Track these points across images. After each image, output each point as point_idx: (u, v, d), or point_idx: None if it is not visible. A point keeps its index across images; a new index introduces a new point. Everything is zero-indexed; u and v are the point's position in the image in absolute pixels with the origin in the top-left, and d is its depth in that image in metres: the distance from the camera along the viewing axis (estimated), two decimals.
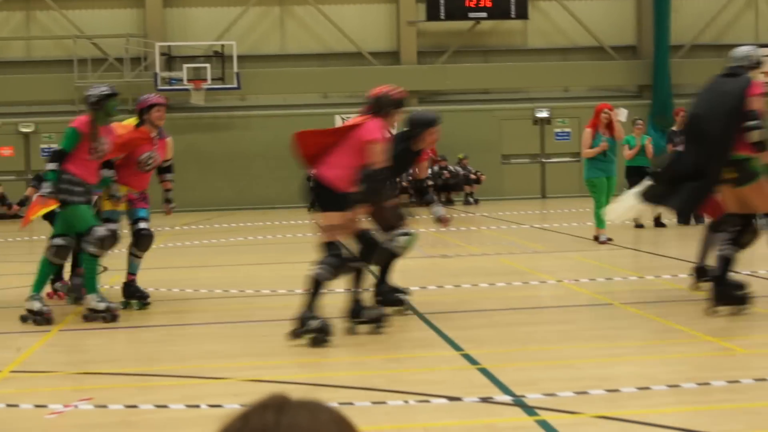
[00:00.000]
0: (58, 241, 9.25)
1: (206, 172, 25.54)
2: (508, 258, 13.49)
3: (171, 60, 25.52)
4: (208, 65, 25.00)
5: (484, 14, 26.46)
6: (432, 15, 26.26)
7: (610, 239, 14.72)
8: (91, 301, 9.13)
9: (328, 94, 26.77)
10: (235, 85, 25.19)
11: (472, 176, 25.44)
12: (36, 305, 9.14)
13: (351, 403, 6.07)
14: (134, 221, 9.95)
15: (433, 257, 13.77)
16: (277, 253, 15.24)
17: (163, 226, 19.77)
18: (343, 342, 8.07)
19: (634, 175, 17.14)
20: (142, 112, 9.85)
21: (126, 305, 9.89)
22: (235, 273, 12.76)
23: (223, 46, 25.41)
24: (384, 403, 6.09)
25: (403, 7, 26.52)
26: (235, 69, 25.11)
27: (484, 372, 6.81)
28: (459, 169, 25.54)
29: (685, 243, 14.95)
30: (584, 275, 11.52)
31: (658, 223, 17.25)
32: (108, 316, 9.07)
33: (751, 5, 28.16)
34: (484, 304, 9.87)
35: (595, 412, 5.76)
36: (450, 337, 8.04)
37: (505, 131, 26.87)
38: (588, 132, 14.78)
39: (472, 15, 26.47)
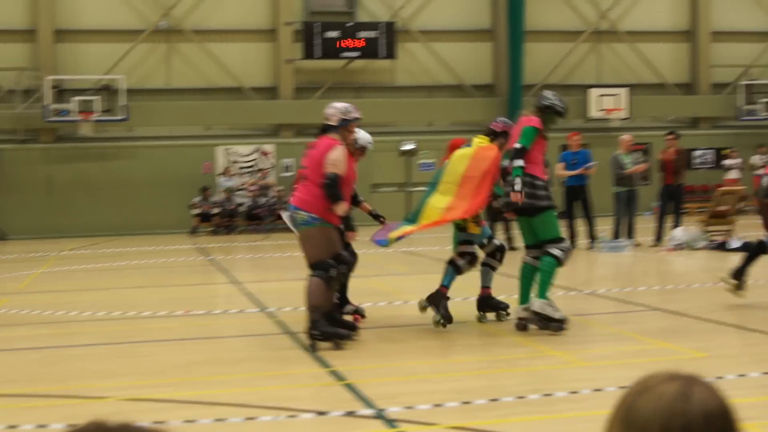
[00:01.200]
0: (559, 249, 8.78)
1: (94, 199, 24.94)
2: (374, 280, 13.51)
3: (62, 93, 24.93)
4: (97, 98, 24.51)
5: (356, 54, 26.62)
6: (308, 54, 26.29)
7: None
8: (545, 306, 8.67)
9: (211, 127, 26.51)
10: (123, 117, 24.75)
11: None
12: (548, 310, 8.66)
13: (225, 419, 5.99)
14: (489, 237, 9.76)
15: (305, 279, 13.68)
16: (158, 277, 14.96)
17: (49, 251, 19.25)
18: (218, 360, 7.97)
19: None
20: None
21: (482, 318, 9.58)
22: (117, 296, 12.48)
23: (112, 79, 24.97)
24: (256, 419, 6.03)
25: (282, 46, 26.48)
26: (123, 102, 24.69)
27: (350, 387, 6.80)
28: None
29: None
30: None
31: (512, 247, 17.42)
32: (559, 326, 8.60)
33: (594, 50, 29.01)
34: None
35: (449, 423, 5.80)
36: (318, 354, 8.02)
37: (374, 162, 27.00)
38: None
39: (345, 54, 26.60)
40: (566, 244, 8.99)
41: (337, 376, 7.17)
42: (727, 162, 27.18)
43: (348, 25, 26.68)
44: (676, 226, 17.31)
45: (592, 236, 17.21)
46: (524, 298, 8.89)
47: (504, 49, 27.59)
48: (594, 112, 27.97)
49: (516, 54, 27.25)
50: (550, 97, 9.13)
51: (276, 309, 10.75)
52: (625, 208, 17.49)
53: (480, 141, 9.48)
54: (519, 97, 27.35)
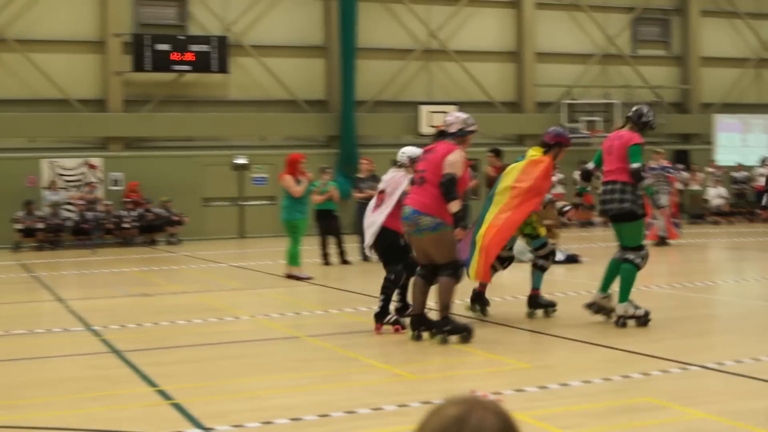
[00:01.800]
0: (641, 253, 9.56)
1: None
2: (206, 296, 13.30)
3: None
4: None
5: (187, 67, 26.20)
6: (138, 66, 25.68)
7: (309, 277, 14.89)
8: (628, 308, 9.52)
9: (36, 139, 25.54)
10: None
11: (175, 218, 25.00)
12: (630, 310, 9.51)
13: None
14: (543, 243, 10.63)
15: (134, 296, 13.36)
16: None
17: None
18: (40, 381, 7.64)
19: (321, 218, 17.48)
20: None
21: (531, 315, 10.50)
22: None
23: None
24: None
25: (111, 58, 25.77)
26: None
27: (177, 407, 6.63)
28: (162, 210, 25.03)
29: (367, 279, 15.36)
30: (275, 311, 11.54)
31: (344, 260, 17.59)
32: (645, 320, 9.50)
33: (425, 68, 29.53)
34: (181, 340, 9.64)
35: None
36: (146, 373, 7.79)
37: (206, 176, 26.66)
38: (290, 178, 14.87)
39: (176, 68, 26.14)
40: (645, 251, 9.71)
41: (165, 396, 6.98)
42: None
43: (179, 38, 26.25)
44: None
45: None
46: (604, 287, 9.85)
47: (336, 66, 27.74)
48: (425, 129, 28.44)
49: (348, 70, 27.45)
50: (646, 112, 9.91)
51: (102, 327, 10.41)
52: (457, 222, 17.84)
53: (533, 153, 10.32)
54: (351, 113, 27.56)
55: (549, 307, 10.61)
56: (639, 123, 9.80)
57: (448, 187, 8.68)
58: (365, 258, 17.88)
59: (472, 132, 9.20)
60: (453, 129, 9.08)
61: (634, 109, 9.97)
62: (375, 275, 15.68)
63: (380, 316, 9.65)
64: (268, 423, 6.10)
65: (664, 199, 19.09)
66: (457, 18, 29.74)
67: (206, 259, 19.68)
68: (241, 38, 27.20)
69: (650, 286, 13.19)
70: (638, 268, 9.55)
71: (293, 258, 15.10)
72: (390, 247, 9.75)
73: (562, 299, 12.18)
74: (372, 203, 10.02)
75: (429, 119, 28.45)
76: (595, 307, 9.86)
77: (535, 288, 10.62)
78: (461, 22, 29.87)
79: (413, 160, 9.72)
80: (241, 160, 26.98)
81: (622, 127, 9.88)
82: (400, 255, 9.72)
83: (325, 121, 27.88)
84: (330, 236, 17.69)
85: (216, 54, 26.28)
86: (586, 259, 17.07)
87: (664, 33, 32.69)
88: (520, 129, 30.28)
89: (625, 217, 9.53)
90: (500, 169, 18.16)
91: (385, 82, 28.83)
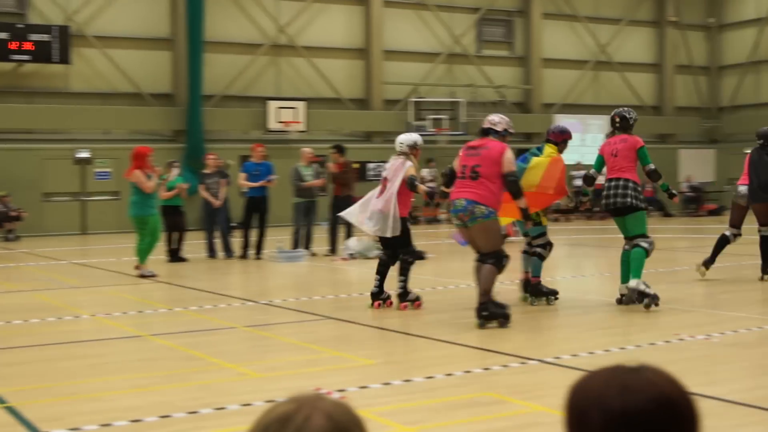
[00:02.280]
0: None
1: None
2: (44, 294, 12.85)
3: None
4: None
5: (27, 57, 25.26)
6: None
7: (154, 274, 14.58)
8: (640, 284, 10.40)
9: None
10: None
11: (13, 213, 24.07)
12: (642, 286, 10.41)
13: None
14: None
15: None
16: None
17: None
18: None
19: (167, 214, 17.12)
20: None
21: (533, 302, 11.06)
22: None
23: None
24: None
25: None
26: None
27: (11, 410, 6.37)
28: (0, 206, 24.07)
29: (212, 276, 15.17)
30: (118, 309, 11.24)
31: (177, 257, 17.12)
32: (652, 300, 10.30)
33: (273, 63, 29.36)
34: (16, 341, 9.27)
35: None
36: None
37: (47, 170, 25.77)
38: (140, 173, 14.51)
39: (14, 57, 25.17)
40: (652, 238, 10.72)
41: None
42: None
43: (18, 26, 25.29)
44: (348, 236, 17.83)
45: (259, 247, 17.39)
46: (625, 278, 10.70)
47: (183, 59, 27.28)
48: (273, 124, 28.30)
49: (195, 64, 27.03)
50: (632, 115, 10.86)
51: None
52: (304, 218, 17.82)
53: (551, 151, 11.08)
54: (198, 107, 27.16)
55: (551, 295, 11.20)
56: (631, 126, 10.80)
57: (516, 184, 9.51)
58: (212, 255, 17.66)
59: (511, 133, 10.10)
60: (499, 128, 9.89)
61: (620, 116, 10.81)
62: (219, 272, 15.55)
63: (403, 296, 10.74)
64: (108, 425, 5.93)
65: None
66: (305, 14, 29.68)
67: (46, 256, 19.03)
68: (83, 28, 26.42)
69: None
70: (647, 252, 10.55)
71: (142, 254, 14.74)
72: (402, 231, 10.66)
73: None
74: (375, 190, 11.10)
75: (277, 115, 28.32)
76: (626, 299, 10.71)
77: (536, 276, 11.17)
78: (310, 18, 29.83)
79: (412, 147, 10.86)
80: (84, 154, 26.21)
81: (613, 133, 10.87)
82: (409, 238, 10.75)
83: (171, 115, 27.38)
84: (176, 232, 17.37)
85: (57, 44, 25.44)
86: (432, 255, 17.30)
87: (508, 34, 33.49)
88: (368, 126, 30.50)
89: (629, 210, 10.53)
90: (343, 166, 18.29)
91: (233, 77, 28.53)
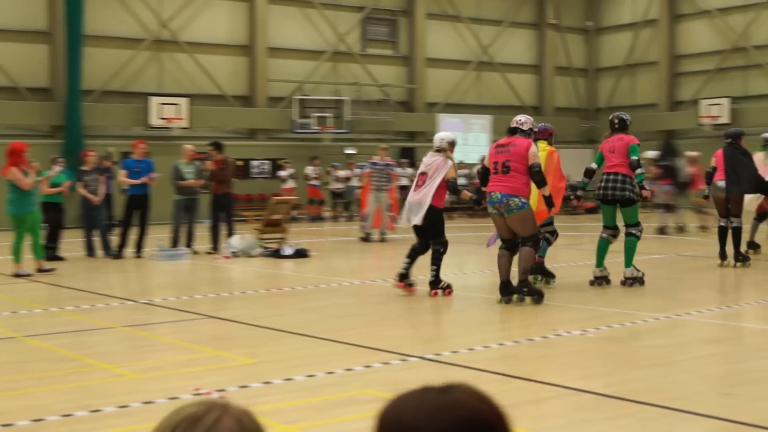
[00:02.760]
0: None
1: None
2: None
3: None
4: None
5: None
6: None
7: (29, 274, 14.16)
8: (633, 271, 12.14)
9: None
10: None
11: None
12: (635, 272, 12.21)
13: None
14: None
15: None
16: None
17: None
18: None
19: (47, 211, 16.63)
20: None
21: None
22: None
23: None
24: None
25: None
26: None
27: None
28: None
29: (91, 275, 14.82)
30: None
31: (54, 256, 16.62)
32: (642, 281, 12.21)
33: (155, 58, 28.87)
34: None
35: None
36: None
37: None
38: (17, 170, 14.04)
39: None
40: (642, 226, 12.21)
41: None
42: (282, 173, 28.30)
43: None
44: (230, 234, 17.67)
45: (140, 246, 17.10)
46: (600, 262, 12.25)
47: (61, 52, 26.59)
48: (155, 121, 27.82)
49: (74, 58, 26.36)
50: (628, 117, 12.44)
51: None
52: (185, 216, 17.59)
53: (544, 146, 12.07)
54: (77, 102, 26.51)
55: (550, 277, 12.46)
56: (627, 126, 12.30)
57: (540, 174, 10.60)
58: (91, 253, 17.26)
59: (536, 132, 11.43)
60: (525, 127, 11.05)
61: (619, 118, 12.32)
62: (98, 271, 15.20)
63: (434, 284, 11.47)
64: None
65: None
66: (188, 9, 29.28)
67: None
68: None
69: (375, 280, 13.54)
70: (638, 239, 12.11)
71: (17, 254, 14.28)
72: (435, 222, 11.39)
73: (290, 294, 12.27)
74: (413, 184, 11.78)
75: (159, 111, 27.85)
76: (598, 281, 12.22)
77: (540, 256, 12.21)
78: (193, 14, 29.44)
79: (451, 144, 11.77)
80: None
81: (613, 133, 12.24)
82: (442, 229, 11.50)
83: (49, 110, 26.66)
84: (55, 229, 16.92)
85: None
86: (315, 253, 17.29)
87: (392, 33, 33.69)
88: (252, 123, 30.29)
89: (627, 202, 11.93)
90: (221, 163, 18.11)
91: (114, 72, 27.96)
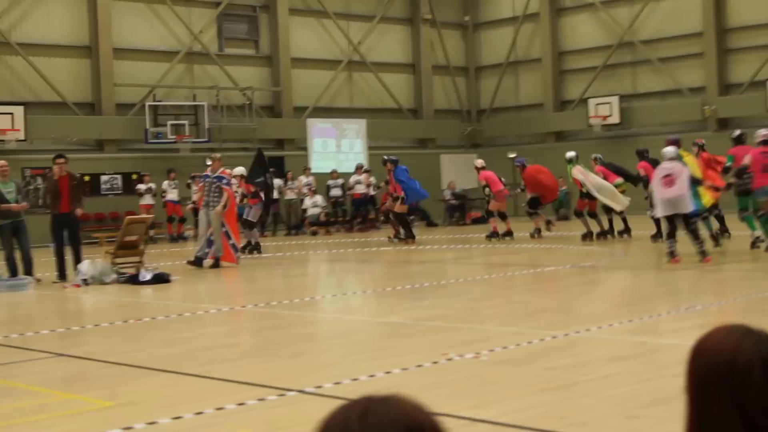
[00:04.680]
0: None
1: None
2: None
3: None
4: None
5: None
6: None
7: None
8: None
9: None
10: None
11: None
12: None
13: None
14: None
15: None
16: None
17: None
18: None
19: None
20: None
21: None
22: None
23: None
24: None
25: None
26: None
27: None
28: None
29: None
30: None
31: None
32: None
33: None
34: None
35: None
36: None
37: None
38: None
39: None
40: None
41: None
42: (141, 186, 27.82)
43: None
44: (78, 260, 17.14)
45: None
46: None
47: None
48: None
49: None
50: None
51: None
52: (12, 242, 16.88)
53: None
54: None
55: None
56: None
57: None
58: None
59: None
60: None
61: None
62: None
63: (703, 254, 15.60)
64: None
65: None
66: (19, 7, 28.54)
67: None
68: None
69: (246, 305, 13.41)
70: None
71: None
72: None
73: (151, 325, 12.03)
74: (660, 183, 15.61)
75: None
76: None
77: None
78: (24, 12, 28.73)
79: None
80: None
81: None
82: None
83: None
84: None
85: None
86: (177, 278, 17.02)
87: (253, 31, 33.54)
88: (99, 133, 29.68)
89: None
90: (65, 178, 17.46)
91: None
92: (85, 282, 16.58)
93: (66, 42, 29.43)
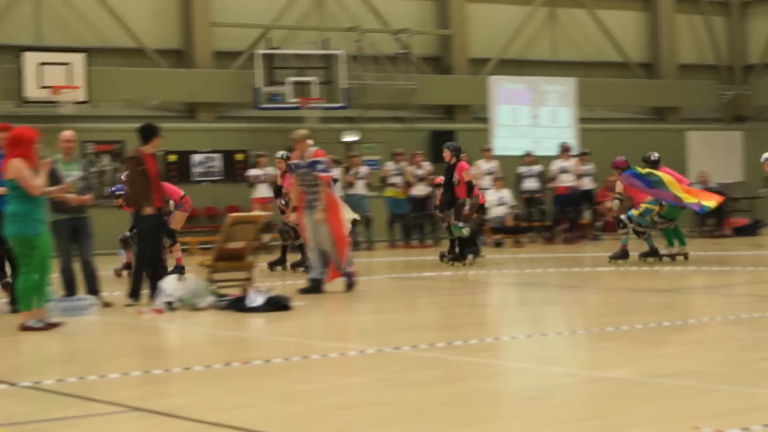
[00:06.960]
0: None
1: None
2: None
3: None
4: None
5: None
6: None
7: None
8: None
9: None
10: None
11: None
12: None
13: None
14: None
15: None
16: None
17: None
18: None
19: None
20: None
21: None
22: None
23: None
24: None
25: None
26: None
27: None
28: None
29: None
30: None
31: None
32: None
33: None
34: None
35: None
36: None
37: None
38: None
39: None
40: None
41: None
42: (253, 172, 28.13)
43: None
44: (159, 275, 17.50)
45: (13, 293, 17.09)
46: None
47: None
48: (33, 92, 27.96)
49: None
50: None
51: None
52: (71, 247, 17.23)
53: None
54: None
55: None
56: None
57: None
58: None
59: None
60: None
61: None
62: None
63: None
64: None
65: None
66: None
67: None
68: None
69: (400, 347, 13.52)
70: None
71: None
72: None
73: (264, 370, 12.24)
74: None
75: (40, 75, 28.02)
76: None
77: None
78: None
79: None
80: None
81: None
82: None
83: None
84: None
85: None
86: (300, 303, 17.27)
87: None
88: (191, 93, 30.28)
89: None
90: (148, 157, 17.94)
91: None
92: (170, 306, 16.83)
93: None
